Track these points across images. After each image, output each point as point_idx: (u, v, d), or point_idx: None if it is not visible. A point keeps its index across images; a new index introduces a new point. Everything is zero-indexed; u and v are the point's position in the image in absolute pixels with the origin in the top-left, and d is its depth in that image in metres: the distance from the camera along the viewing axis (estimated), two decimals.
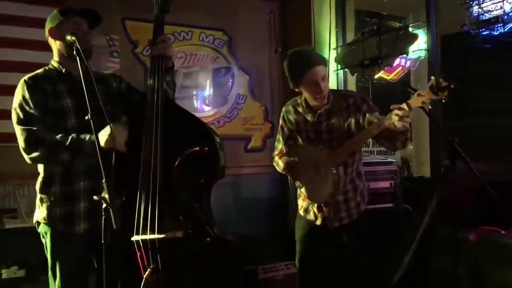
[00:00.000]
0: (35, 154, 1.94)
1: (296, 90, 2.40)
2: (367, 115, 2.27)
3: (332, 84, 4.21)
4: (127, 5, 3.75)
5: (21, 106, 1.99)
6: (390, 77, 4.50)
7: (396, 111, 1.98)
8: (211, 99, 4.28)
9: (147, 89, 2.08)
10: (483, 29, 3.16)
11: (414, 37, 3.61)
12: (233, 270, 2.13)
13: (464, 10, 3.26)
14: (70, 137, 1.92)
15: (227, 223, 2.39)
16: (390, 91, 4.65)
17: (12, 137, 2.04)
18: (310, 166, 2.34)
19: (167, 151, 2.01)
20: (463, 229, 2.55)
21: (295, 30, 4.41)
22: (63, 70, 2.09)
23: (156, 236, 1.94)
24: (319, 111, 2.38)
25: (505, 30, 3.07)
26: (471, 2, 3.22)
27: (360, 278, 2.40)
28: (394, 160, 3.59)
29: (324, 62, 2.36)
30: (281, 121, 2.56)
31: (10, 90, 2.20)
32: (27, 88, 1.99)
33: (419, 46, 3.77)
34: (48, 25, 2.09)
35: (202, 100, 4.25)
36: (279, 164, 2.54)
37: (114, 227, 1.59)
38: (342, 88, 4.20)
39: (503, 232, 2.61)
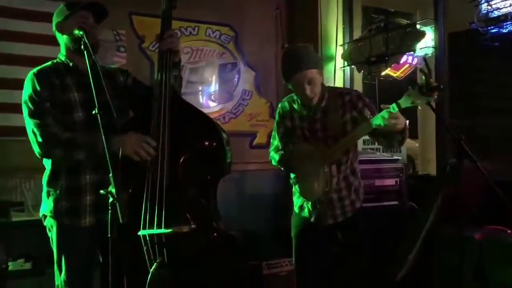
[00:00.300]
0: (51, 153, 1.97)
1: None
2: (365, 111, 2.26)
3: (339, 80, 4.20)
4: (134, 0, 3.75)
5: (31, 99, 1.99)
6: (397, 74, 4.47)
7: (382, 113, 2.01)
8: (217, 95, 4.27)
9: (155, 84, 2.09)
10: (492, 27, 3.13)
11: (422, 34, 3.59)
12: (238, 265, 2.13)
13: (472, 7, 3.23)
14: (88, 137, 1.94)
15: (231, 219, 2.39)
16: (396, 88, 4.62)
17: (19, 130, 2.05)
18: (304, 163, 2.34)
19: (174, 146, 2.01)
20: (469, 227, 2.54)
21: (302, 26, 4.38)
22: (71, 64, 2.10)
23: (163, 231, 1.94)
24: (314, 109, 2.35)
25: None
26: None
27: (356, 277, 2.38)
28: (400, 158, 3.57)
29: (317, 65, 2.29)
30: (277, 117, 2.52)
31: (17, 84, 2.20)
32: (37, 81, 2.00)
33: (427, 44, 3.74)
34: (55, 19, 2.10)
35: (208, 95, 4.24)
36: (275, 157, 2.53)
37: (121, 221, 1.59)
38: (349, 85, 4.18)
39: (509, 231, 2.60)
